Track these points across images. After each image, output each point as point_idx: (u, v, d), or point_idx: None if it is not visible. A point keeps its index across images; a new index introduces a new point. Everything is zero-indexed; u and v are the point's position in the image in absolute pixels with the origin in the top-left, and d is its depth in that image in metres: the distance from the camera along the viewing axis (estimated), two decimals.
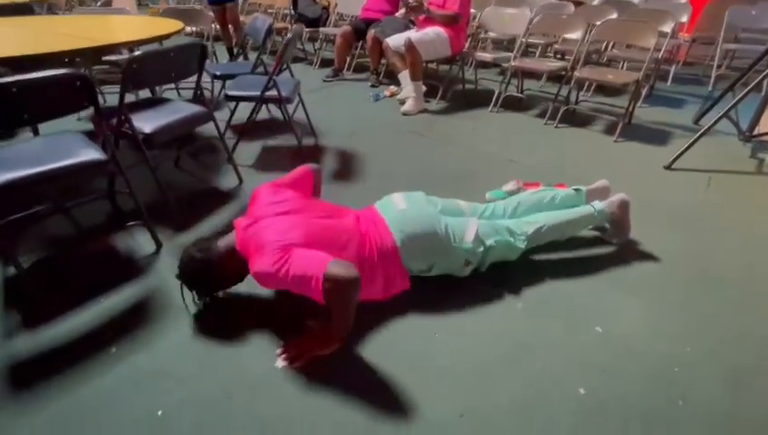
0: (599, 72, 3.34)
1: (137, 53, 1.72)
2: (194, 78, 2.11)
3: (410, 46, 3.40)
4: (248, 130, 2.64)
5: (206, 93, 2.90)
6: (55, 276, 1.65)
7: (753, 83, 2.50)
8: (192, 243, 1.45)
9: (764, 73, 2.50)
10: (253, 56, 3.14)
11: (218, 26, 4.73)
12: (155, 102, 2.13)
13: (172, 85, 3.35)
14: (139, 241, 1.81)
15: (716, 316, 1.52)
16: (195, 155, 2.64)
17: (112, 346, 1.33)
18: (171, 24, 2.60)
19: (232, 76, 2.81)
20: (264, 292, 1.50)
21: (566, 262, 1.77)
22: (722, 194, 2.36)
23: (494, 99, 3.61)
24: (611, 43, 4.18)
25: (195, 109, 2.07)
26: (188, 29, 5.43)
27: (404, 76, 3.62)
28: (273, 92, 2.40)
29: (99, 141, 1.66)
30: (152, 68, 1.81)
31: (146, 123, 1.85)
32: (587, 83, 3.95)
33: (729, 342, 1.42)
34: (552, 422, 1.15)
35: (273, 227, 1.35)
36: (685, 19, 4.26)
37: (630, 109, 3.27)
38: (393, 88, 3.94)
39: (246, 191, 2.23)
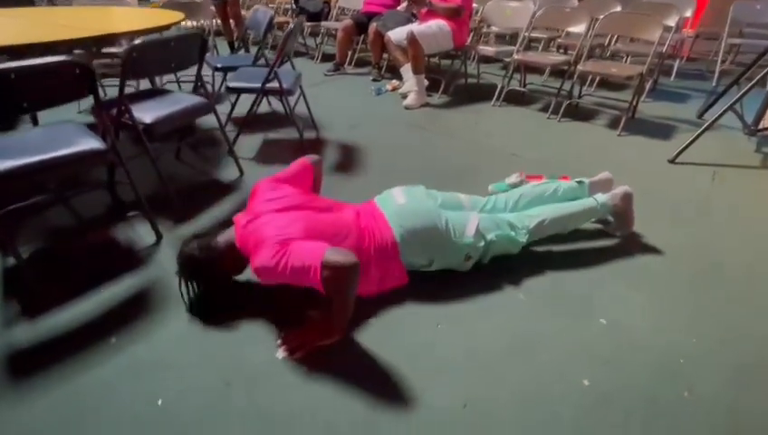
0: (602, 66, 3.32)
1: (137, 41, 1.70)
2: (194, 72, 2.09)
3: (412, 39, 3.38)
4: (249, 123, 2.63)
5: (207, 87, 2.89)
6: (55, 267, 1.64)
7: (758, 77, 2.47)
8: (190, 239, 1.43)
9: None
10: (254, 50, 3.13)
11: (220, 21, 4.72)
12: (155, 93, 2.11)
13: (173, 79, 3.35)
14: (140, 232, 1.80)
15: (721, 309, 1.51)
16: (195, 147, 2.63)
17: (112, 336, 1.32)
18: (171, 15, 2.58)
19: (233, 68, 2.79)
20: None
21: (569, 254, 1.75)
22: (726, 188, 2.34)
23: (496, 93, 3.59)
24: (615, 38, 4.15)
25: (195, 100, 2.05)
26: (189, 23, 5.41)
27: (406, 70, 3.60)
28: (274, 84, 2.38)
29: (99, 132, 1.65)
30: (152, 57, 1.79)
31: (146, 113, 1.83)
32: (590, 78, 3.93)
33: (734, 335, 1.40)
34: (556, 413, 1.14)
35: (273, 223, 1.34)
36: (689, 14, 4.22)
37: (634, 103, 3.25)
38: (395, 82, 3.92)
39: (247, 184, 2.22)
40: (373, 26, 4.07)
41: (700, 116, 3.32)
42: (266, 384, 1.20)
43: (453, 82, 3.86)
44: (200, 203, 2.03)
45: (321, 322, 1.34)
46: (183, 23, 2.77)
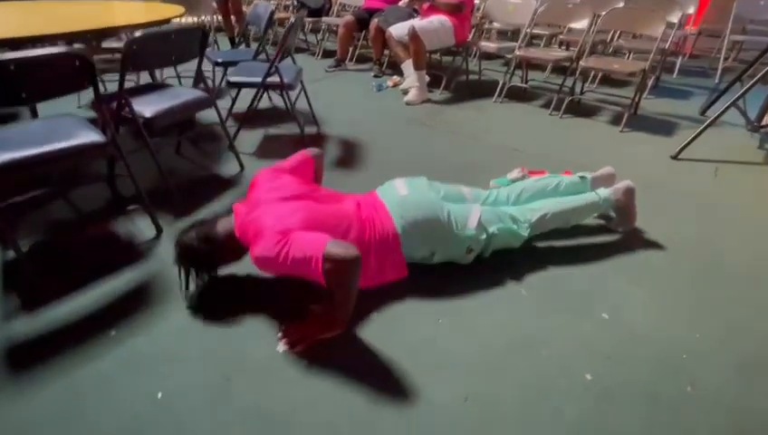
0: (604, 62, 3.30)
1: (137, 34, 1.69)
2: (194, 67, 2.08)
3: (414, 34, 3.37)
4: (250, 118, 2.61)
5: (208, 82, 2.88)
6: (55, 260, 1.63)
7: (761, 74, 2.46)
8: (188, 227, 1.43)
9: None
10: (254, 46, 3.11)
11: (221, 17, 4.70)
12: (155, 87, 2.10)
13: (174, 74, 3.34)
14: (140, 226, 1.79)
15: (723, 305, 1.50)
16: (196, 142, 2.62)
17: (112, 329, 1.31)
18: (172, 9, 2.57)
19: (233, 63, 2.78)
20: (266, 275, 1.48)
21: (571, 249, 1.75)
22: (729, 184, 2.33)
23: (498, 89, 3.58)
24: (617, 34, 4.14)
25: (196, 93, 2.04)
26: (190, 19, 5.39)
27: (407, 66, 3.59)
28: (274, 79, 2.37)
29: (99, 126, 1.64)
30: (152, 49, 1.78)
31: (146, 107, 1.82)
32: (592, 74, 3.91)
33: (737, 330, 1.39)
34: (558, 408, 1.13)
35: (273, 213, 1.33)
36: (692, 10, 4.21)
37: (636, 100, 3.23)
38: (396, 78, 3.91)
39: (247, 178, 2.20)
40: (374, 22, 4.05)
41: (702, 113, 3.31)
42: (267, 379, 1.19)
43: (454, 79, 3.84)
44: (200, 197, 2.02)
45: (323, 315, 1.33)
46: (184, 19, 2.76)
